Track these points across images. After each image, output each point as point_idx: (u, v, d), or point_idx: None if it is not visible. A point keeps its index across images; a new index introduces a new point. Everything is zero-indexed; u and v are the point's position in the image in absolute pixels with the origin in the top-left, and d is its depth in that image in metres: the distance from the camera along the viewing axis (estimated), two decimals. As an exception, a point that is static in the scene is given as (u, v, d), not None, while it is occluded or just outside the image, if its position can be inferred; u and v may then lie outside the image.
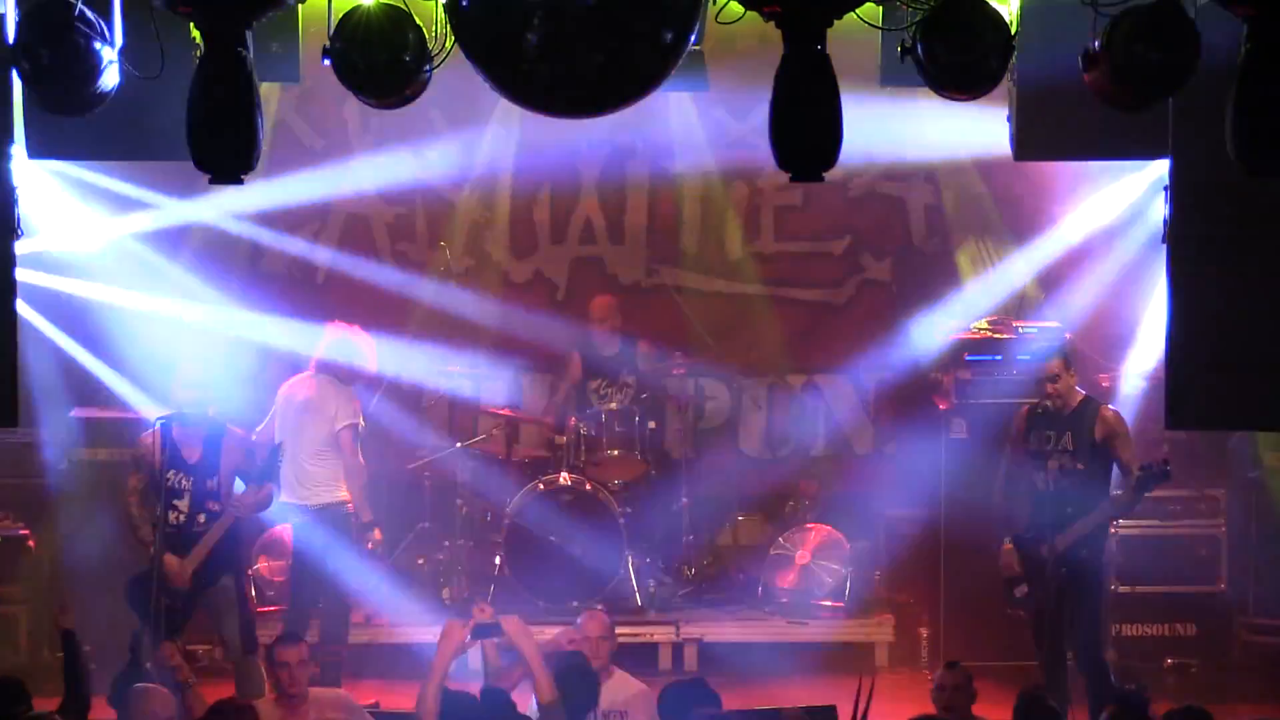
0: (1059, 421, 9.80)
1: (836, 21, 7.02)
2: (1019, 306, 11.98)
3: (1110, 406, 9.94)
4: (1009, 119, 8.27)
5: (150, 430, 9.90)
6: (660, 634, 11.48)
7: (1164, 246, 8.09)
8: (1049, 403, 9.81)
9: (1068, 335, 11.64)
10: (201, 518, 9.80)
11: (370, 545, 10.59)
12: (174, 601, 9.73)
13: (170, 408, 9.97)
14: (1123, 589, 10.94)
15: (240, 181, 7.28)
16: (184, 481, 9.82)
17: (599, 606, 10.51)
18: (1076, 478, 9.73)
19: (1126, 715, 7.52)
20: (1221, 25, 7.17)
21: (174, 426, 9.80)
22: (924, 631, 11.52)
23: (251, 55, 7.10)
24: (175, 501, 9.78)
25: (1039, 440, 9.81)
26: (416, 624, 11.39)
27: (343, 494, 10.56)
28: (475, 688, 7.98)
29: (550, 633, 10.92)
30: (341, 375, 10.64)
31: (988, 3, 7.24)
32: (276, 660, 8.69)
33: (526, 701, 7.99)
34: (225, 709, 7.43)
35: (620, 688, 8.77)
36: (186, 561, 9.72)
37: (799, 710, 7.46)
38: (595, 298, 12.31)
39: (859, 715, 7.33)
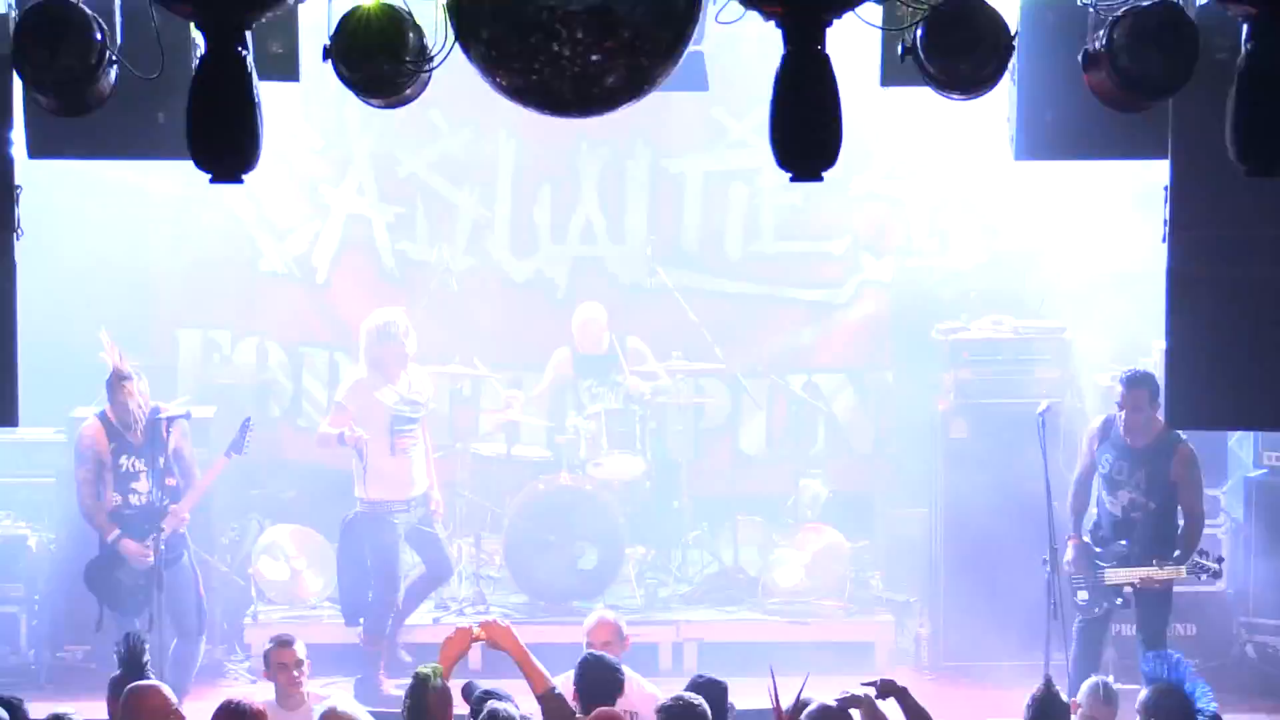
0: (1135, 455, 9.81)
1: (836, 21, 7.01)
2: (1019, 306, 11.98)
3: (1189, 444, 9.87)
4: (1009, 119, 8.26)
5: (88, 423, 10.30)
6: (660, 634, 11.47)
7: (1164, 246, 8.09)
8: (1128, 438, 9.80)
9: (1067, 335, 11.66)
10: (164, 497, 10.17)
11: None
12: (136, 580, 10.09)
13: (100, 403, 10.40)
14: (1123, 589, 10.94)
15: (240, 181, 7.28)
16: (137, 464, 10.20)
17: (597, 605, 10.51)
18: (1144, 514, 9.83)
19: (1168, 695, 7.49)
20: (1221, 25, 7.18)
21: (112, 417, 10.24)
22: (924, 631, 11.52)
23: (251, 55, 7.09)
24: (133, 485, 10.19)
25: (1111, 468, 9.88)
26: (416, 624, 11.40)
27: (366, 492, 10.81)
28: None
29: (550, 633, 10.93)
30: (376, 361, 10.88)
31: (988, 3, 7.24)
32: (276, 662, 8.68)
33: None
34: (236, 708, 7.41)
35: (630, 689, 8.70)
36: (149, 541, 10.04)
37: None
38: (576, 316, 12.21)
39: (775, 699, 7.37)
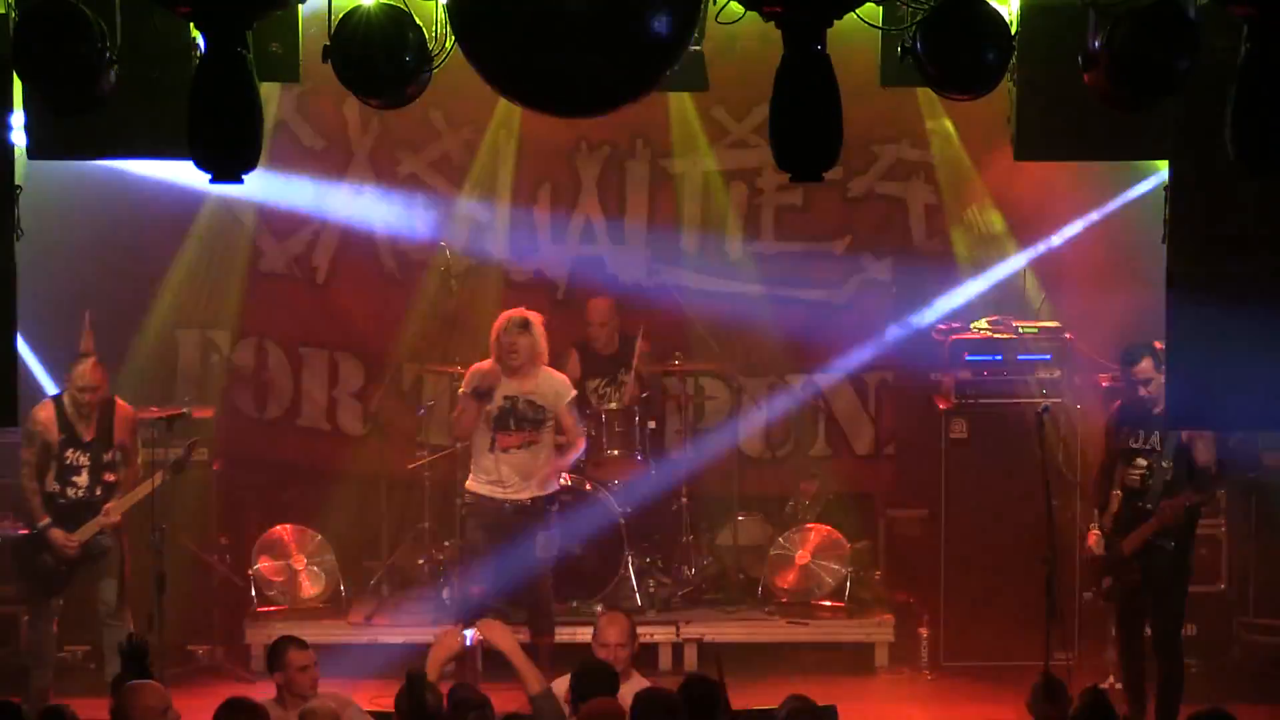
0: (1149, 420, 9.85)
1: (836, 21, 7.02)
2: (1019, 306, 11.98)
3: None
4: (1009, 119, 8.26)
5: (42, 405, 10.42)
6: (660, 634, 11.46)
7: (1164, 246, 8.09)
8: (1145, 398, 9.85)
9: (1067, 335, 11.66)
10: (99, 490, 10.42)
11: None
12: (58, 566, 10.37)
13: (62, 386, 10.57)
14: (1122, 588, 10.95)
15: (240, 181, 7.29)
16: (82, 458, 10.40)
17: (599, 608, 10.51)
18: (1162, 477, 9.83)
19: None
20: (1221, 25, 7.18)
21: (67, 406, 10.37)
22: (924, 631, 11.51)
23: (251, 55, 7.10)
24: (74, 478, 10.41)
25: (1128, 438, 9.92)
26: (416, 624, 11.39)
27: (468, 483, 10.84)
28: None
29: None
30: (496, 356, 10.77)
31: (988, 3, 7.24)
32: (295, 664, 8.65)
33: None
34: (238, 706, 7.42)
35: (632, 689, 8.68)
36: (77, 534, 10.31)
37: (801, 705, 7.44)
38: (592, 300, 12.27)
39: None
